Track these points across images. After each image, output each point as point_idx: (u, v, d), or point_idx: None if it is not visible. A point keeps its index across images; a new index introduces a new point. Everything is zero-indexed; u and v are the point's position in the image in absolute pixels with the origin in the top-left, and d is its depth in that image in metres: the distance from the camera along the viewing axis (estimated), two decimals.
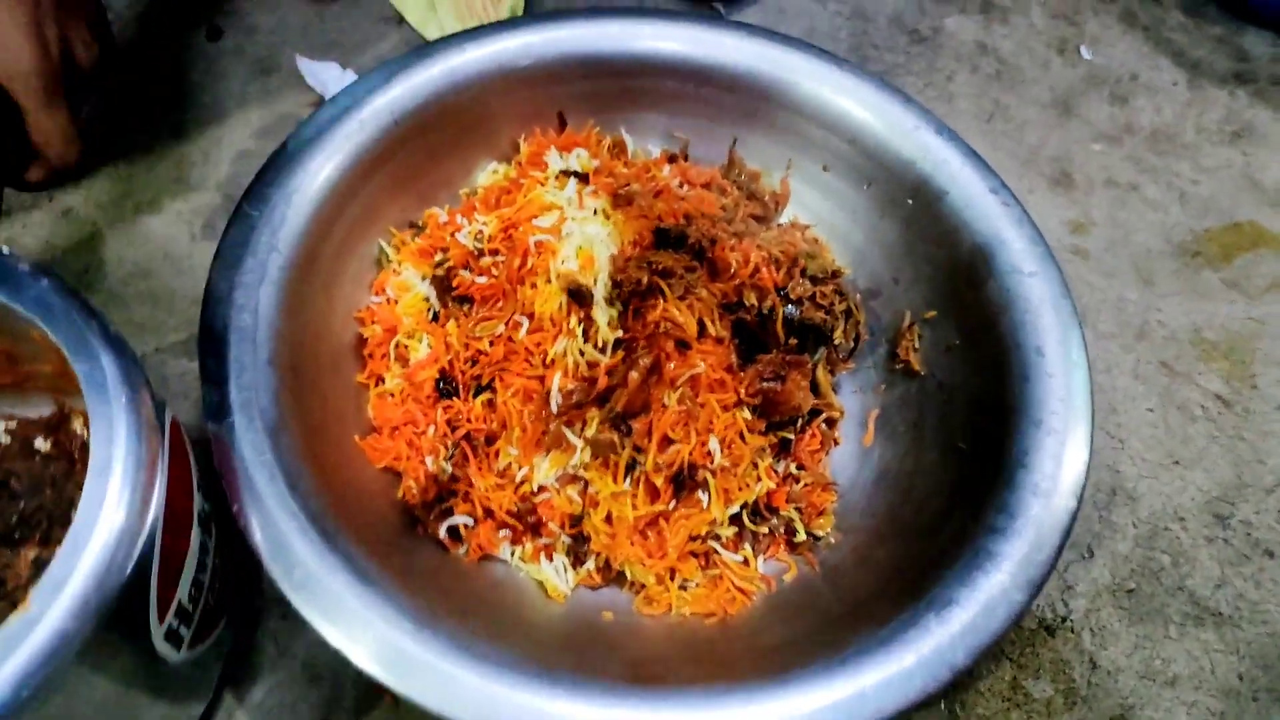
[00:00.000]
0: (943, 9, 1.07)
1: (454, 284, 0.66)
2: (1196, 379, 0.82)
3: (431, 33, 0.94)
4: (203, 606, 0.51)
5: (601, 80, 0.78)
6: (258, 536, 0.51)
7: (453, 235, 0.69)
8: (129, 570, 0.42)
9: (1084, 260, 0.88)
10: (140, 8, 0.95)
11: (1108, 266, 0.88)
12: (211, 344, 0.56)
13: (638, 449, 0.61)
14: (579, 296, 0.62)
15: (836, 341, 0.71)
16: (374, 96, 0.69)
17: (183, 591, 0.48)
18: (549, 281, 0.63)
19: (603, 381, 0.61)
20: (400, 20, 0.96)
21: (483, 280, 0.66)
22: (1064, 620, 0.69)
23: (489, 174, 0.76)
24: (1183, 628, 0.69)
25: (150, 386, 0.46)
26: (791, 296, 0.68)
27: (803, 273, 0.70)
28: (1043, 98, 1.00)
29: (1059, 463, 0.59)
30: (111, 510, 0.42)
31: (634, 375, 0.60)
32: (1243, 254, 0.90)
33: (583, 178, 0.69)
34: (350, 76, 0.89)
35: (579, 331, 0.62)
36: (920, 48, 1.03)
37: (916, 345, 0.72)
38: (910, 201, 0.73)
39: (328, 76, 0.88)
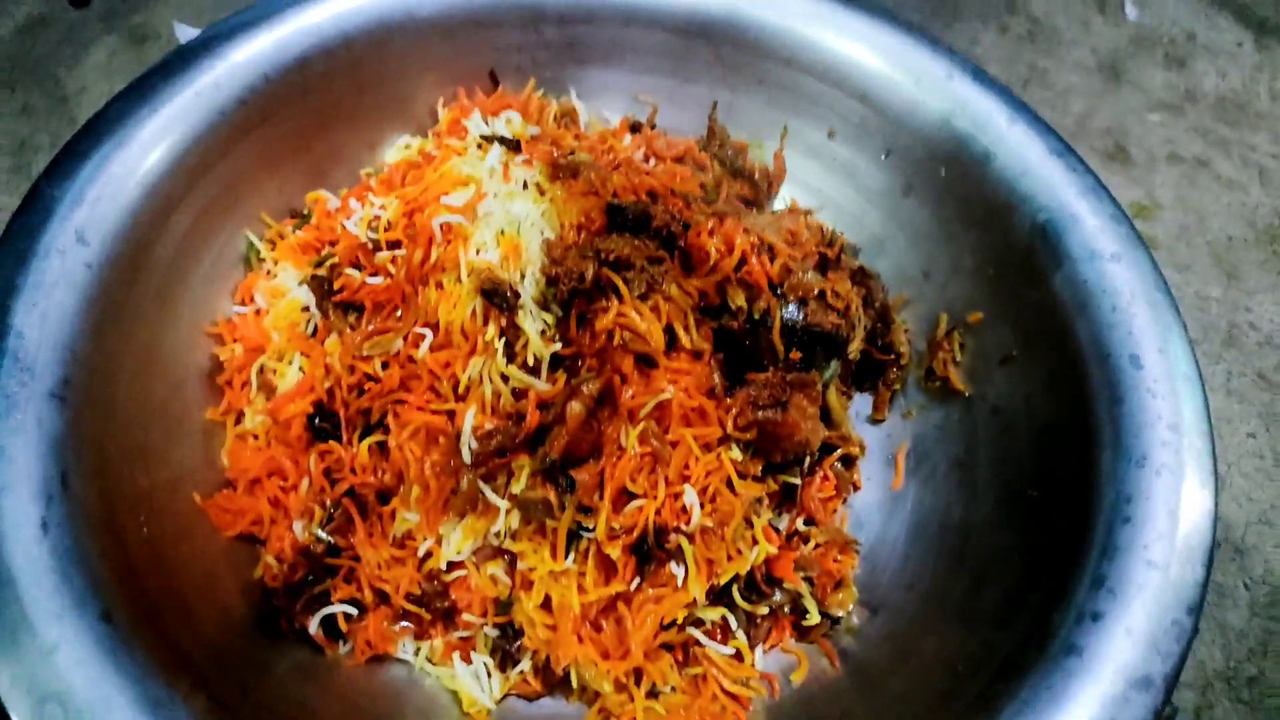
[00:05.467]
0: None
1: (337, 286, 0.49)
2: None
3: None
4: None
5: (544, 29, 0.62)
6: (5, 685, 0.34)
7: (343, 225, 0.52)
8: None
9: (1153, 250, 0.71)
10: None
11: (1182, 258, 0.72)
12: None
13: (584, 509, 0.44)
14: (498, 298, 0.45)
15: (852, 356, 0.54)
16: (240, 44, 0.53)
17: None
18: (459, 280, 0.46)
19: (533, 417, 0.44)
20: None
21: (376, 281, 0.49)
22: None
23: (399, 150, 0.59)
24: None
25: None
26: (791, 296, 0.51)
27: (819, 265, 0.53)
28: (1086, 61, 0.84)
29: (1174, 515, 0.42)
30: None
31: (576, 406, 0.44)
32: None
33: (512, 144, 0.52)
34: None
35: (499, 347, 0.45)
36: (938, 5, 0.87)
37: (958, 357, 0.56)
38: (944, 171, 0.57)
39: None
